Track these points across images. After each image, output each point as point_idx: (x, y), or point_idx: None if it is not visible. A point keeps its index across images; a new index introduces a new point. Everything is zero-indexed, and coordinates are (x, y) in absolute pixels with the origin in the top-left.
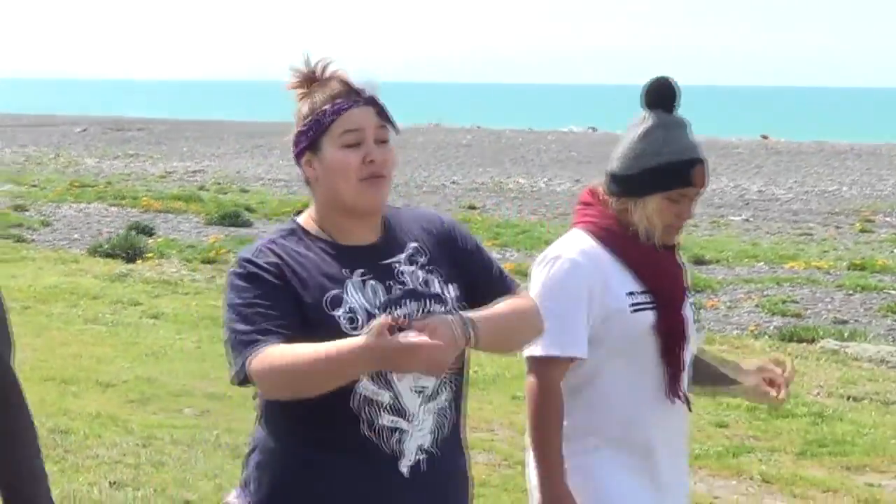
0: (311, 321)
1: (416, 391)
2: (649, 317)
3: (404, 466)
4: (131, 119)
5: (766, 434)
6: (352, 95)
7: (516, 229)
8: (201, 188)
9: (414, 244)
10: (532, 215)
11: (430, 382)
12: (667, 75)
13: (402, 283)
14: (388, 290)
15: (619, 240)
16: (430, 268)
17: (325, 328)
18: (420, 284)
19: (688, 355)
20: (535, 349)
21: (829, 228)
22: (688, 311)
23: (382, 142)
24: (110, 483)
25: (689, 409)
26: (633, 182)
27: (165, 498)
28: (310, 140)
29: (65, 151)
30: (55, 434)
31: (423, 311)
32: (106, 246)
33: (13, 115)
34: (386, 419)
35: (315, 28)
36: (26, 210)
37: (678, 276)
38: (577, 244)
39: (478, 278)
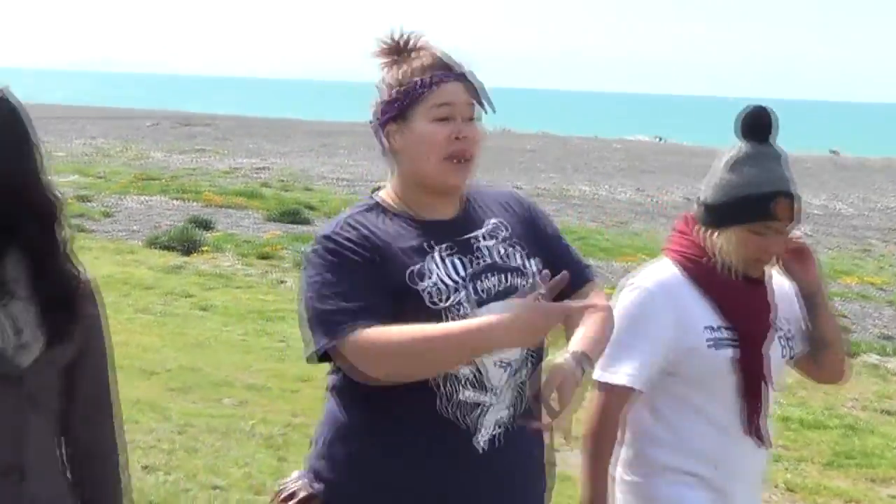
0: (395, 295)
1: (501, 366)
2: (729, 353)
3: (481, 441)
4: (200, 115)
5: (795, 444)
6: (446, 70)
7: (574, 235)
8: (264, 185)
9: (494, 220)
10: (592, 222)
11: (514, 356)
12: (763, 105)
13: (482, 258)
14: (471, 263)
15: (704, 271)
16: (512, 241)
17: (409, 302)
18: (501, 258)
19: (770, 394)
20: (598, 372)
21: (889, 245)
22: (773, 349)
23: (471, 119)
24: (143, 467)
25: (768, 446)
26: (717, 212)
27: (195, 483)
28: (398, 109)
29: (134, 144)
30: None
31: (504, 284)
32: (163, 238)
33: (85, 107)
34: (466, 394)
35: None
36: (90, 201)
37: (763, 311)
38: (658, 274)
39: (558, 260)
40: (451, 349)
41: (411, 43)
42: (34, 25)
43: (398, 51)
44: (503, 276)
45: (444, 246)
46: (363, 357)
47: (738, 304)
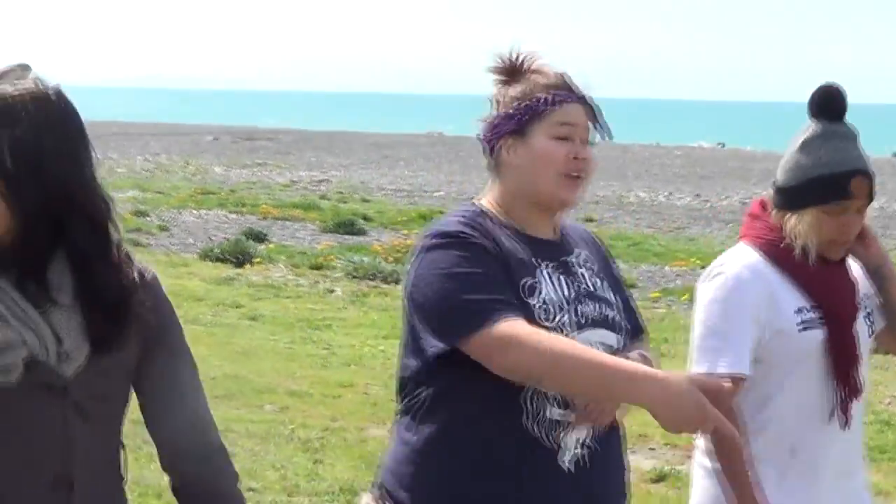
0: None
1: None
2: (818, 335)
3: (566, 460)
4: (262, 129)
5: None
6: (568, 90)
7: (628, 241)
8: (322, 197)
9: (583, 250)
10: (648, 228)
11: None
12: (833, 82)
13: (583, 283)
14: (573, 286)
15: (785, 254)
16: (600, 274)
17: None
18: (594, 287)
19: (862, 374)
20: (701, 367)
21: None
22: (861, 327)
23: (586, 142)
24: None
25: (848, 428)
26: (792, 194)
27: None
28: (518, 124)
29: (194, 160)
30: (137, 425)
31: (599, 312)
32: (216, 251)
33: (148, 123)
34: (553, 412)
35: (446, 42)
36: (147, 215)
37: (849, 291)
38: (741, 259)
39: (623, 305)
40: (597, 382)
41: (527, 63)
42: (98, 43)
43: (514, 69)
44: (598, 304)
45: (549, 263)
46: (504, 345)
47: (824, 285)
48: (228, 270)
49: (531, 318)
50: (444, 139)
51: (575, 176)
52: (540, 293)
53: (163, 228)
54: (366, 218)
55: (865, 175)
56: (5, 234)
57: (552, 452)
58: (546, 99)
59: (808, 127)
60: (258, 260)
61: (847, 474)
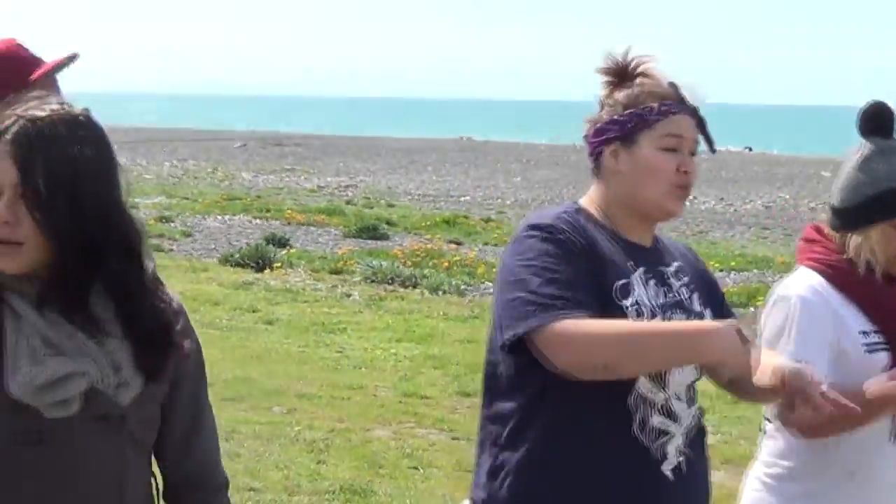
0: (601, 305)
1: (682, 397)
2: (883, 358)
3: (667, 469)
4: (290, 134)
5: None
6: (679, 100)
7: None
8: (348, 202)
9: (677, 263)
10: (671, 232)
11: (692, 389)
12: (881, 100)
13: (676, 293)
14: (666, 294)
15: (846, 277)
16: (693, 287)
17: (610, 315)
18: (686, 299)
19: None
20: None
21: None
22: None
23: (693, 154)
24: None
25: None
26: (853, 214)
27: (232, 485)
28: (626, 132)
29: (222, 166)
30: None
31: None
32: (237, 256)
33: (177, 129)
34: (657, 420)
35: (476, 47)
36: (171, 221)
37: None
38: (804, 281)
39: (717, 318)
40: (668, 349)
41: (638, 67)
42: (130, 49)
43: (623, 73)
44: (688, 315)
45: (643, 269)
46: (565, 342)
47: (886, 306)
48: (247, 275)
49: (622, 319)
50: (473, 144)
51: (681, 188)
52: (632, 296)
53: (186, 234)
54: (389, 223)
55: None
56: (43, 267)
57: (658, 462)
58: (656, 108)
59: (861, 146)
60: (278, 265)
61: None
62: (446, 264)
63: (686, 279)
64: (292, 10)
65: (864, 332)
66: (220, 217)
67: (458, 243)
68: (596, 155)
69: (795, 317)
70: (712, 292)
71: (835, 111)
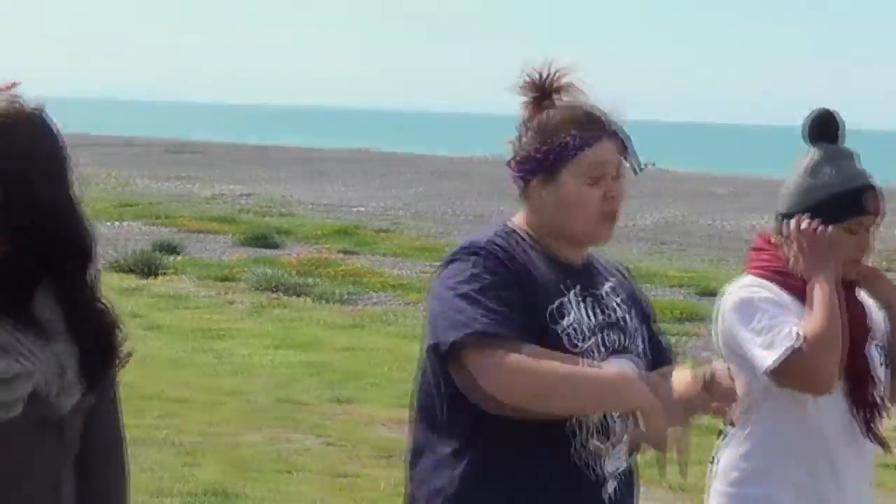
0: (531, 329)
1: (622, 416)
2: None
3: (606, 493)
4: (190, 142)
5: None
6: (599, 126)
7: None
8: (243, 210)
9: (611, 281)
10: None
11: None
12: (826, 107)
13: (611, 311)
14: (601, 313)
15: (794, 281)
16: (628, 305)
17: (548, 340)
18: (621, 318)
19: (881, 395)
20: (770, 357)
21: None
22: (873, 352)
23: (617, 177)
24: None
25: (887, 450)
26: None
27: None
28: (547, 167)
29: (117, 171)
30: None
31: (625, 342)
32: (124, 262)
33: (72, 135)
34: (593, 443)
35: (384, 56)
36: None
37: (859, 315)
38: (745, 283)
39: (651, 338)
40: (586, 395)
41: (557, 82)
42: (28, 52)
43: (543, 89)
44: (624, 335)
45: (578, 288)
46: (489, 374)
47: None
48: (133, 281)
49: (558, 342)
50: (375, 154)
51: (609, 214)
52: (568, 317)
53: None
54: (283, 232)
55: (875, 190)
56: None
57: (597, 484)
58: (574, 141)
59: (809, 152)
60: (166, 272)
61: (865, 493)
62: (333, 273)
63: (621, 297)
64: (196, 13)
65: None
66: (110, 224)
67: (350, 253)
68: (521, 183)
69: (746, 301)
70: (644, 311)
71: (734, 129)
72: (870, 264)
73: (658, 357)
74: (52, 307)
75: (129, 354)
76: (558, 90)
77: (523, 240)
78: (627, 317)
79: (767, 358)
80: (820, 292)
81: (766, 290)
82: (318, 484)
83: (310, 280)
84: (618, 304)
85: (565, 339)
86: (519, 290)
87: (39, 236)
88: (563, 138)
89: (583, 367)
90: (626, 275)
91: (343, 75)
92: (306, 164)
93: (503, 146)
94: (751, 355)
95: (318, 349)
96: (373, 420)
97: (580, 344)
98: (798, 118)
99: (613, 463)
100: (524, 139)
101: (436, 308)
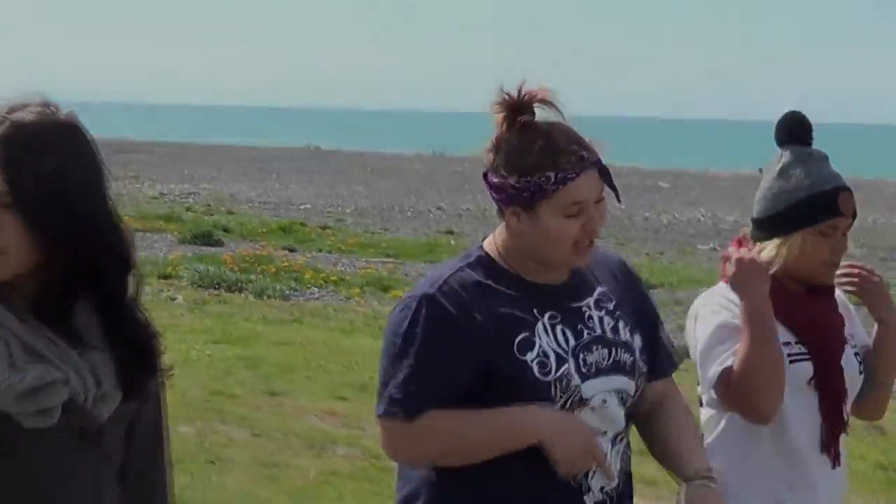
0: (499, 365)
1: (599, 433)
2: (806, 368)
3: (589, 501)
4: (136, 142)
5: None
6: (577, 159)
7: None
8: (188, 209)
9: (602, 288)
10: None
11: (611, 428)
12: (796, 110)
13: (592, 329)
14: (579, 334)
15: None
16: (618, 314)
17: (514, 372)
18: (609, 331)
19: (847, 410)
20: (706, 391)
21: None
22: (849, 362)
23: (598, 201)
24: None
25: (837, 465)
26: (777, 222)
27: None
28: (524, 200)
29: None
30: None
31: (611, 358)
32: None
33: None
34: None
35: (329, 55)
36: None
37: (835, 323)
38: (717, 294)
39: (652, 345)
40: (489, 445)
41: (533, 99)
42: None
43: (517, 108)
44: (610, 349)
45: (551, 314)
46: (389, 444)
47: (808, 316)
48: None
49: (525, 375)
50: (320, 153)
51: (586, 244)
52: (537, 347)
53: None
54: (226, 230)
55: (849, 191)
56: (28, 274)
57: (579, 491)
58: (554, 179)
59: (780, 155)
60: None
61: None
62: (274, 270)
63: (610, 306)
64: (146, 12)
65: (787, 343)
66: None
67: (292, 250)
68: (497, 205)
69: (712, 318)
70: (643, 315)
71: (684, 125)
72: (861, 264)
73: (653, 367)
74: (91, 316)
75: (171, 367)
76: (532, 104)
77: (492, 268)
78: (619, 327)
79: (705, 386)
80: (744, 315)
81: (731, 308)
82: (244, 474)
83: (251, 276)
84: (606, 315)
85: (536, 367)
86: (474, 330)
87: (79, 246)
88: (541, 176)
89: (481, 415)
90: (625, 275)
91: (283, 76)
92: (249, 163)
93: (436, 143)
94: (700, 377)
95: (254, 343)
96: (304, 412)
97: (553, 373)
98: (748, 113)
99: (601, 480)
100: (500, 160)
101: (380, 364)
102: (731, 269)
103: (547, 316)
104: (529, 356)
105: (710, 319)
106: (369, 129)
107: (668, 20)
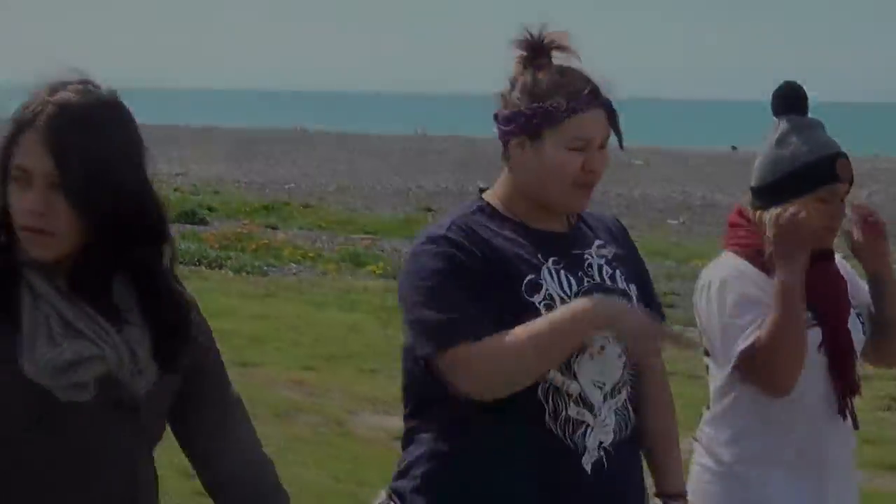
0: (508, 305)
1: (597, 385)
2: (815, 334)
3: (587, 462)
4: None
5: None
6: (590, 95)
7: None
8: (176, 189)
9: (600, 240)
10: None
11: (609, 379)
12: (791, 80)
13: (591, 276)
14: (580, 280)
15: (769, 257)
16: (615, 264)
17: (522, 313)
18: (608, 279)
19: (858, 372)
20: (728, 361)
21: None
22: (854, 325)
23: (602, 146)
24: None
25: (856, 427)
26: (776, 189)
27: None
28: (531, 127)
29: None
30: None
31: None
32: None
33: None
34: (573, 410)
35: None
36: None
37: (841, 289)
38: (727, 265)
39: (644, 296)
40: (554, 346)
41: (552, 43)
42: None
43: (537, 49)
44: (610, 296)
45: (554, 259)
46: (458, 373)
47: (814, 283)
48: None
49: (536, 316)
50: (305, 135)
51: (585, 185)
52: (544, 290)
53: None
54: (211, 209)
55: (846, 157)
56: (71, 250)
57: (576, 453)
58: (564, 106)
59: (777, 125)
60: None
61: (850, 471)
62: (254, 247)
63: (608, 255)
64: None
65: None
66: None
67: (275, 227)
68: (503, 142)
69: (722, 295)
70: (637, 269)
71: (655, 105)
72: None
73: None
74: (128, 290)
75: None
76: (552, 50)
77: (494, 215)
78: (616, 276)
79: (727, 356)
80: (780, 289)
81: (743, 278)
82: None
83: (231, 253)
84: (605, 265)
85: (543, 310)
86: (483, 274)
87: (119, 220)
88: (552, 103)
89: (536, 320)
90: (621, 232)
91: (271, 61)
92: (237, 145)
93: (420, 124)
94: (717, 349)
95: (229, 317)
96: (273, 382)
97: None
98: (723, 94)
99: (598, 436)
100: (513, 94)
101: (406, 311)
102: (772, 230)
103: (551, 261)
104: (536, 298)
105: (724, 291)
106: (355, 112)
107: None
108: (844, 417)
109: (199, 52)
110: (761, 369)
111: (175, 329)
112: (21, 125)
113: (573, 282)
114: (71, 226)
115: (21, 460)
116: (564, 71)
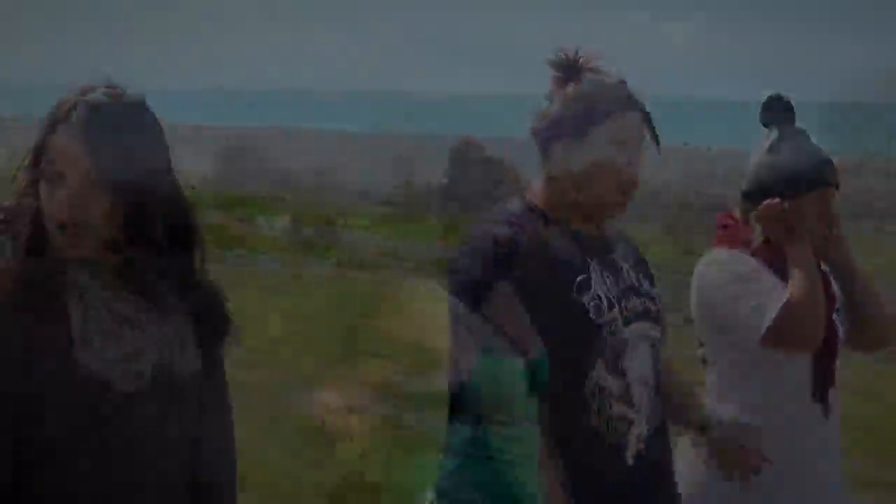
0: (559, 304)
1: (642, 383)
2: None
3: (630, 457)
4: None
5: None
6: (629, 100)
7: None
8: None
9: (620, 246)
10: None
11: (650, 374)
12: (777, 92)
13: (624, 279)
14: (616, 283)
15: (761, 251)
16: (637, 268)
17: (575, 313)
18: (636, 281)
19: (836, 364)
20: (763, 324)
21: None
22: (836, 320)
23: (639, 151)
24: None
25: (834, 413)
26: (767, 194)
27: None
28: (575, 129)
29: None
30: None
31: (643, 306)
32: None
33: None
34: (616, 409)
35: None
36: None
37: (826, 284)
38: (721, 254)
39: None
40: None
41: (586, 62)
42: None
43: (572, 68)
44: (641, 299)
45: (596, 260)
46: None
47: None
48: None
49: (583, 315)
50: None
51: (626, 185)
52: (593, 289)
53: None
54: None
55: (833, 164)
56: (112, 248)
57: (617, 449)
58: (605, 107)
59: (768, 134)
60: None
61: (834, 456)
62: (225, 238)
63: (631, 261)
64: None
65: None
66: None
67: (243, 220)
68: (545, 148)
69: (725, 269)
70: (650, 276)
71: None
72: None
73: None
74: (169, 282)
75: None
76: (587, 69)
77: (541, 216)
78: (641, 278)
79: (761, 320)
80: (799, 255)
81: (743, 261)
82: None
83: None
84: (631, 268)
85: (592, 310)
86: (536, 277)
87: (155, 218)
88: (591, 104)
89: None
90: (630, 239)
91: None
92: (219, 141)
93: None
94: (741, 322)
95: None
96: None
97: (603, 315)
98: (707, 93)
99: (638, 428)
100: (552, 107)
101: (459, 316)
102: (765, 220)
103: (595, 262)
104: (586, 298)
105: (725, 270)
106: (325, 109)
107: None
108: (826, 410)
109: (174, 52)
110: (794, 329)
111: (215, 316)
112: (54, 124)
113: (615, 281)
114: (105, 221)
115: (80, 451)
116: (602, 80)
